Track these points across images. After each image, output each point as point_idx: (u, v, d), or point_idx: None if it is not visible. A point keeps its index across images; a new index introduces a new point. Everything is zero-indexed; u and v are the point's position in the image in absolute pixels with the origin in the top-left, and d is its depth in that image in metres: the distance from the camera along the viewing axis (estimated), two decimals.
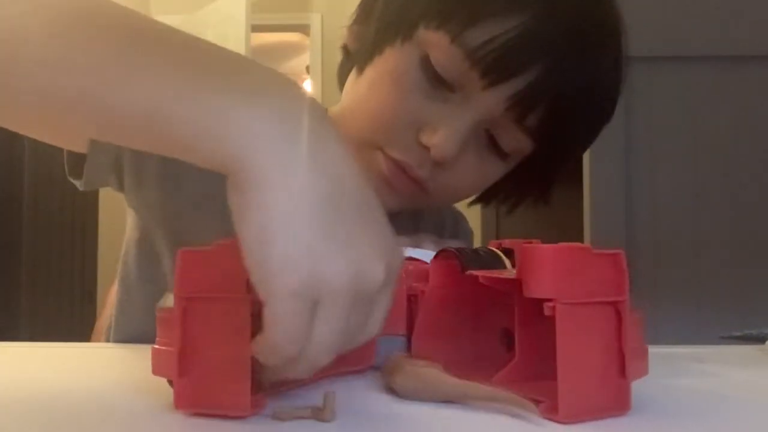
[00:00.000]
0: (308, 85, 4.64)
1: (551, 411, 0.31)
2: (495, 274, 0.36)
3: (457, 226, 0.76)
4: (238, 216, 0.28)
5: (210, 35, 3.93)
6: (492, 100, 0.51)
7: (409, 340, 0.41)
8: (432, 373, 0.35)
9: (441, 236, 0.72)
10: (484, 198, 0.64)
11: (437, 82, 0.52)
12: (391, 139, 0.54)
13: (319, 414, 0.31)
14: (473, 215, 0.91)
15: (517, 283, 0.32)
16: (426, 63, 0.52)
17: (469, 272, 0.37)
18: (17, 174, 2.65)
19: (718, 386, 0.40)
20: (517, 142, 0.53)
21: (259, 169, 0.28)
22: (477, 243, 0.79)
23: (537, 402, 0.32)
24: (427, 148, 0.52)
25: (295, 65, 5.47)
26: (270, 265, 0.28)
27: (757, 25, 1.23)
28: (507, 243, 0.42)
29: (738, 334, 0.56)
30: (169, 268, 0.59)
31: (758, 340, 0.54)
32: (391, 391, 0.36)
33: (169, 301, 0.32)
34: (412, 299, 0.42)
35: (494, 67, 0.49)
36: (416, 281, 0.41)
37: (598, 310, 0.32)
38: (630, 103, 1.23)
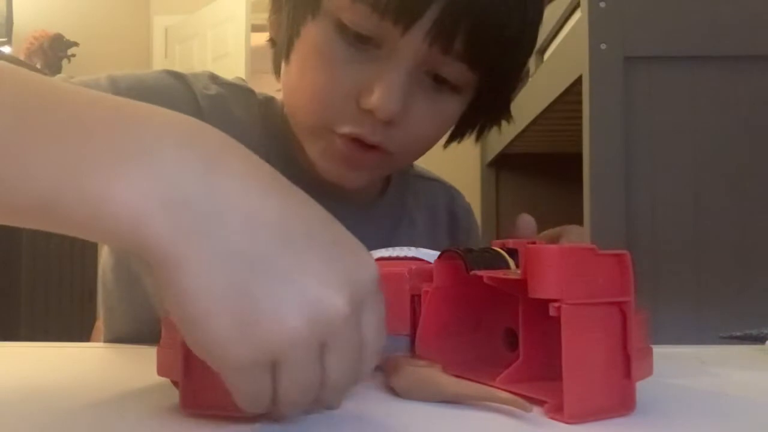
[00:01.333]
0: None
1: (556, 411, 0.31)
2: (500, 274, 0.36)
3: (453, 203, 0.75)
4: (159, 295, 0.26)
5: (210, 35, 3.93)
6: (414, 43, 0.50)
7: (412, 341, 0.41)
8: (431, 374, 0.35)
9: (435, 215, 0.72)
10: (455, 136, 0.62)
11: (360, 43, 0.51)
12: (336, 115, 0.53)
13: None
14: None
15: (521, 284, 0.32)
16: (342, 28, 0.51)
17: (473, 273, 0.37)
18: None
19: (719, 386, 0.40)
20: (459, 72, 0.52)
21: (158, 245, 0.25)
22: (479, 242, 0.80)
23: (541, 402, 0.32)
24: (371, 112, 0.51)
25: None
26: (208, 344, 0.25)
27: (757, 25, 1.23)
28: (511, 243, 0.42)
29: (738, 334, 0.56)
30: (150, 285, 0.59)
31: (758, 340, 0.54)
32: (391, 390, 0.36)
33: None
34: (415, 299, 0.42)
35: (401, 10, 0.49)
36: (420, 281, 0.41)
37: (603, 310, 0.32)
38: (630, 102, 1.23)
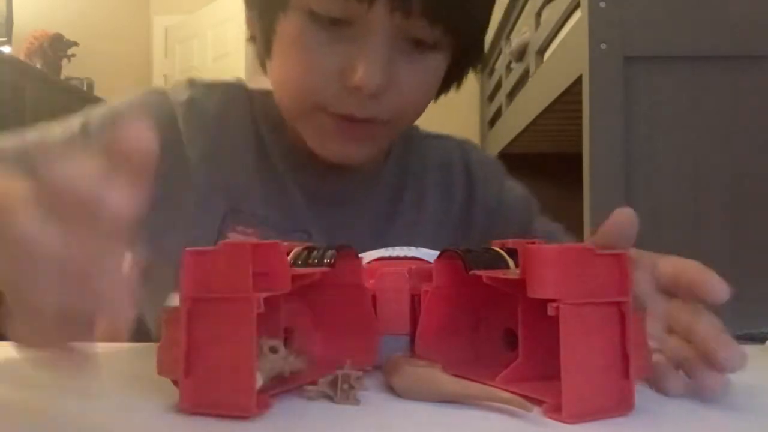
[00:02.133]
0: None
1: (555, 411, 0.31)
2: (499, 274, 0.36)
3: (467, 156, 0.73)
4: None
5: (210, 35, 3.93)
6: (380, 14, 0.51)
7: (412, 340, 0.41)
8: (431, 374, 0.35)
9: (449, 172, 0.71)
10: (440, 92, 0.64)
11: (332, 26, 0.53)
12: (324, 97, 0.55)
13: (345, 397, 0.32)
14: None
15: (520, 284, 0.32)
16: (314, 16, 0.53)
17: (473, 272, 0.37)
18: None
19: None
20: (429, 31, 0.54)
21: None
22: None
23: (541, 402, 0.32)
24: (358, 89, 0.53)
25: None
26: None
27: (757, 25, 1.23)
28: (510, 243, 0.42)
29: (738, 334, 0.56)
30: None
31: (758, 340, 0.54)
32: (391, 390, 0.36)
33: (174, 301, 0.32)
34: (415, 299, 0.42)
35: None
36: (420, 281, 0.42)
37: (601, 310, 0.32)
38: (630, 102, 1.23)
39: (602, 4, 1.24)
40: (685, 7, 1.25)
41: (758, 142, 1.23)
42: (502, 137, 2.57)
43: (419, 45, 0.55)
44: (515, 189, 0.74)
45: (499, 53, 2.80)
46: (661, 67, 1.25)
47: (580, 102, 1.29)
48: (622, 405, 0.32)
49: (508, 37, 2.57)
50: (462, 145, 0.75)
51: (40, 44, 3.36)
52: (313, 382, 0.35)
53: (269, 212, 0.62)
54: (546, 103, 1.76)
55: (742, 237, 1.23)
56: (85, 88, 3.59)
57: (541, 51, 1.87)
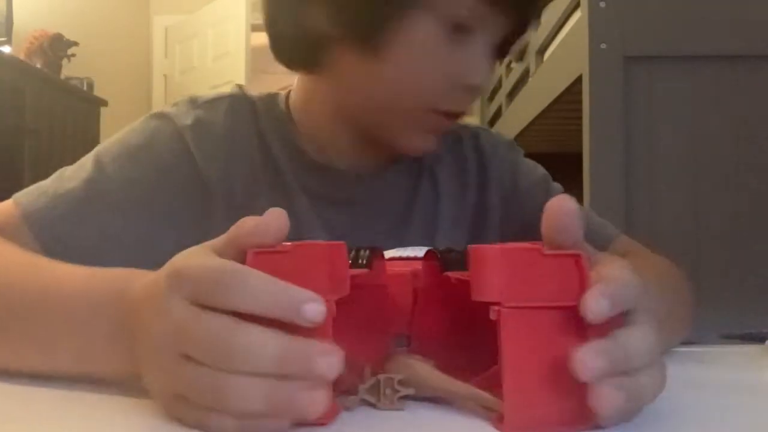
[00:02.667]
0: None
1: (500, 420, 0.30)
2: (466, 276, 0.34)
3: (478, 139, 0.72)
4: None
5: (210, 35, 3.94)
6: (500, 21, 0.56)
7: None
8: (422, 368, 0.35)
9: (462, 159, 0.71)
10: None
11: (457, 32, 0.55)
12: (440, 97, 0.57)
13: (389, 402, 0.32)
14: None
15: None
16: (447, 20, 0.55)
17: (446, 273, 0.36)
18: (17, 176, 2.65)
19: (719, 386, 0.40)
20: (522, 36, 0.59)
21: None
22: None
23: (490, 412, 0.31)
24: (473, 89, 0.57)
25: None
26: None
27: (757, 25, 1.23)
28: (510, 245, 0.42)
29: (738, 333, 0.56)
30: None
31: (758, 339, 0.54)
32: None
33: None
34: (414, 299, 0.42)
35: None
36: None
37: (553, 315, 0.30)
38: (630, 102, 1.23)
39: (602, 4, 1.24)
40: (685, 7, 1.25)
41: (758, 141, 1.23)
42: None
43: (498, 52, 0.59)
44: (532, 172, 0.72)
45: None
46: (661, 67, 1.24)
47: (580, 102, 1.29)
48: (583, 419, 0.29)
49: None
50: (473, 130, 0.73)
51: (40, 44, 3.36)
52: (347, 391, 0.33)
53: None
54: (546, 103, 1.76)
55: (742, 237, 1.23)
56: (85, 88, 3.59)
57: (541, 51, 1.87)
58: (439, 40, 0.55)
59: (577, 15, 1.40)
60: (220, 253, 0.32)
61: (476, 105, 3.67)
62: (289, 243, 0.31)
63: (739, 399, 0.37)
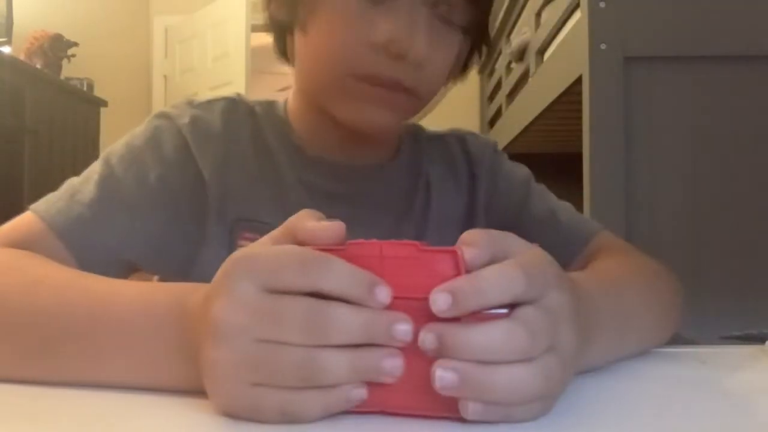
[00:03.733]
0: None
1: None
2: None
3: (465, 144, 0.74)
4: None
5: (210, 35, 3.94)
6: None
7: None
8: None
9: (453, 165, 0.72)
10: (452, 74, 0.67)
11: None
12: (370, 66, 0.57)
13: None
14: None
15: None
16: None
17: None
18: (17, 176, 2.65)
19: (719, 386, 0.40)
20: (462, 12, 0.58)
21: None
22: None
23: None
24: (403, 57, 0.56)
25: None
26: None
27: (757, 25, 1.23)
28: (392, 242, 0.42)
29: (738, 334, 0.56)
30: None
31: (758, 340, 0.54)
32: None
33: None
34: None
35: None
36: None
37: (419, 305, 0.31)
38: (630, 103, 1.23)
39: (602, 5, 1.24)
40: (685, 7, 1.25)
41: (758, 141, 1.23)
42: (503, 137, 2.57)
43: (448, 24, 0.59)
44: (513, 174, 0.74)
45: (499, 53, 2.80)
46: (661, 67, 1.24)
47: (580, 102, 1.29)
48: (442, 407, 0.31)
49: (508, 38, 2.57)
50: (460, 135, 0.75)
51: (40, 44, 3.36)
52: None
53: (276, 218, 0.62)
54: (546, 104, 1.76)
55: (742, 237, 1.23)
56: (85, 88, 3.59)
57: (541, 51, 1.87)
58: (358, 8, 0.56)
59: (577, 15, 1.40)
60: (277, 243, 0.35)
61: (476, 105, 3.67)
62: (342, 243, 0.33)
63: (739, 399, 0.37)
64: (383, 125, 0.61)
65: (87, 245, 0.54)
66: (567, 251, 0.65)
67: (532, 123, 2.04)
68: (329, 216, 0.63)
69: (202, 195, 0.60)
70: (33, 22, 3.56)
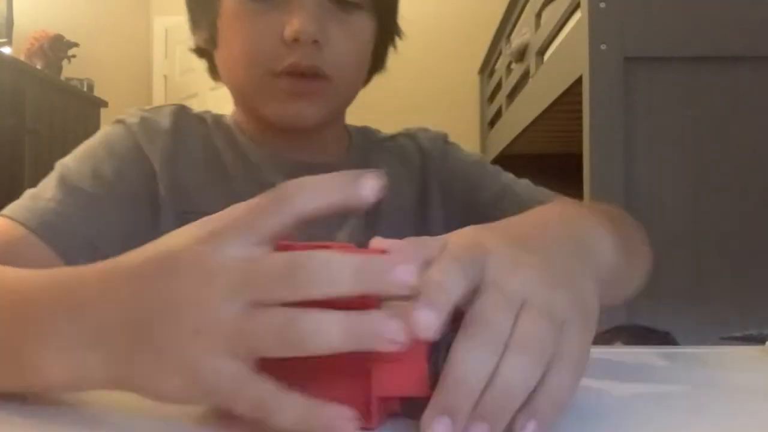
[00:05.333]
0: None
1: None
2: None
3: (416, 140, 0.75)
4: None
5: None
6: None
7: None
8: None
9: (408, 164, 0.73)
10: (377, 64, 0.70)
11: None
12: (270, 58, 0.60)
13: None
14: None
15: None
16: None
17: None
18: (17, 176, 2.65)
19: (719, 387, 0.40)
20: None
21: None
22: None
23: None
24: (297, 40, 0.58)
25: None
26: None
27: (757, 25, 1.23)
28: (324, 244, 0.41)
29: (738, 334, 0.56)
30: None
31: (759, 340, 0.54)
32: None
33: None
34: None
35: None
36: None
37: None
38: (630, 103, 1.23)
39: (602, 5, 1.24)
40: (685, 7, 1.25)
41: (758, 142, 1.23)
42: (503, 138, 2.57)
43: (344, 6, 0.61)
44: (466, 157, 0.75)
45: (500, 54, 2.80)
46: (661, 67, 1.25)
47: (580, 102, 1.29)
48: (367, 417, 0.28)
49: (508, 38, 2.57)
50: (412, 133, 0.77)
51: (40, 45, 3.36)
52: None
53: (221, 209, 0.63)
54: (546, 104, 1.76)
55: (742, 237, 1.23)
56: (85, 89, 3.59)
57: (542, 52, 1.88)
58: (247, 9, 0.60)
59: (577, 16, 1.40)
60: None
61: (476, 106, 3.67)
62: (304, 243, 0.29)
63: (739, 400, 0.37)
64: (309, 117, 0.63)
65: (64, 237, 0.55)
66: None
67: (532, 123, 2.04)
68: None
69: (154, 187, 0.62)
70: (33, 22, 3.56)
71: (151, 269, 0.29)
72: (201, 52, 0.69)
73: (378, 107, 3.57)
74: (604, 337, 0.92)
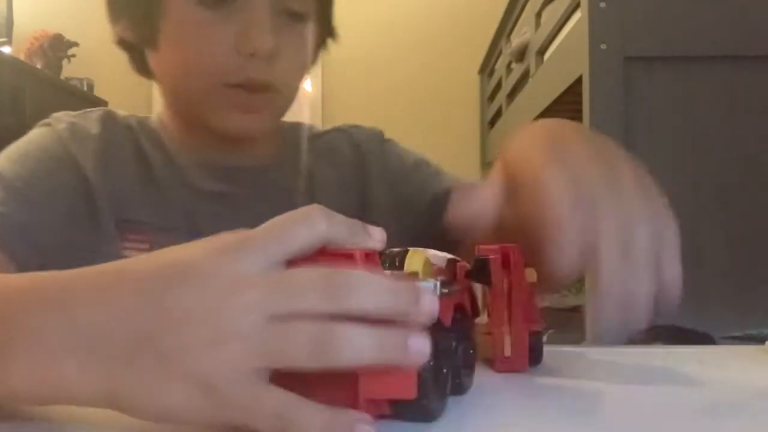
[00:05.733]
0: (308, 84, 4.63)
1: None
2: None
3: (352, 138, 0.75)
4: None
5: None
6: None
7: None
8: None
9: (341, 161, 0.73)
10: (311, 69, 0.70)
11: (217, 4, 0.58)
12: (225, 71, 0.59)
13: None
14: None
15: None
16: None
17: None
18: None
19: (719, 387, 0.40)
20: (305, 2, 0.61)
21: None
22: None
23: None
24: (253, 55, 0.58)
25: None
26: None
27: (757, 25, 1.23)
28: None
29: (738, 334, 0.56)
30: None
31: (759, 340, 0.54)
32: None
33: None
34: None
35: None
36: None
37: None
38: (630, 103, 1.23)
39: (602, 5, 1.24)
40: (685, 7, 1.25)
41: (758, 142, 1.23)
42: (503, 138, 2.57)
43: (293, 16, 0.61)
44: (406, 157, 0.75)
45: (500, 54, 2.80)
46: (661, 67, 1.24)
47: (580, 102, 1.29)
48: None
49: (508, 38, 2.56)
50: (347, 130, 0.77)
51: (40, 45, 3.35)
52: None
53: (154, 218, 0.63)
54: (546, 104, 1.76)
55: (742, 237, 1.22)
56: (85, 89, 3.59)
57: (542, 51, 1.87)
58: (199, 17, 0.59)
59: (577, 15, 1.40)
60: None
61: (476, 105, 3.67)
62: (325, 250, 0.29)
63: (739, 399, 0.37)
64: (257, 130, 0.63)
65: (9, 239, 0.55)
66: None
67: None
68: (213, 217, 0.64)
69: (90, 194, 0.61)
70: (33, 22, 3.56)
71: (161, 278, 0.28)
72: (125, 45, 0.66)
73: (378, 107, 3.57)
74: (643, 338, 0.92)
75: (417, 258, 0.35)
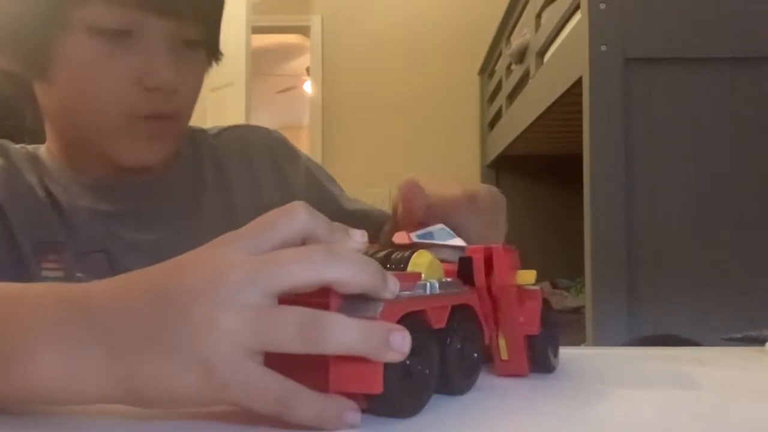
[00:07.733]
0: (308, 87, 4.63)
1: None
2: None
3: (269, 136, 0.78)
4: None
5: None
6: (155, 21, 0.58)
7: None
8: None
9: (250, 157, 0.74)
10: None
11: (115, 38, 0.58)
12: (129, 103, 0.59)
13: None
14: None
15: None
16: (94, 30, 0.57)
17: None
18: None
19: (719, 388, 0.40)
20: (197, 31, 0.62)
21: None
22: None
23: None
24: (158, 89, 0.59)
25: (295, 66, 5.46)
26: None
27: (757, 26, 1.23)
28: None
29: (738, 335, 0.56)
30: None
31: (759, 341, 0.54)
32: None
33: None
34: None
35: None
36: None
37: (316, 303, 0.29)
38: (630, 103, 1.23)
39: (602, 6, 1.24)
40: (685, 9, 1.25)
41: (758, 142, 1.23)
42: (503, 139, 2.57)
43: (188, 44, 0.62)
44: (313, 162, 0.79)
45: (500, 55, 2.80)
46: (661, 68, 1.25)
47: (580, 104, 1.29)
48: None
49: (508, 39, 2.57)
50: (258, 129, 0.78)
51: None
52: None
53: (67, 238, 0.63)
54: (546, 105, 1.76)
55: (743, 237, 1.23)
56: None
57: (542, 53, 1.88)
58: (98, 49, 0.58)
59: (577, 17, 1.40)
60: None
61: (476, 107, 3.67)
62: None
63: (739, 400, 0.37)
64: (160, 157, 0.64)
65: None
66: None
67: (532, 124, 2.04)
68: (117, 236, 0.63)
69: (4, 218, 0.61)
70: None
71: (166, 274, 0.30)
72: (8, 76, 0.64)
73: (378, 108, 3.57)
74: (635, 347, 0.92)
75: (422, 258, 0.36)
